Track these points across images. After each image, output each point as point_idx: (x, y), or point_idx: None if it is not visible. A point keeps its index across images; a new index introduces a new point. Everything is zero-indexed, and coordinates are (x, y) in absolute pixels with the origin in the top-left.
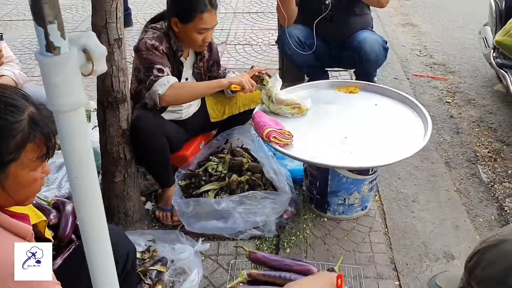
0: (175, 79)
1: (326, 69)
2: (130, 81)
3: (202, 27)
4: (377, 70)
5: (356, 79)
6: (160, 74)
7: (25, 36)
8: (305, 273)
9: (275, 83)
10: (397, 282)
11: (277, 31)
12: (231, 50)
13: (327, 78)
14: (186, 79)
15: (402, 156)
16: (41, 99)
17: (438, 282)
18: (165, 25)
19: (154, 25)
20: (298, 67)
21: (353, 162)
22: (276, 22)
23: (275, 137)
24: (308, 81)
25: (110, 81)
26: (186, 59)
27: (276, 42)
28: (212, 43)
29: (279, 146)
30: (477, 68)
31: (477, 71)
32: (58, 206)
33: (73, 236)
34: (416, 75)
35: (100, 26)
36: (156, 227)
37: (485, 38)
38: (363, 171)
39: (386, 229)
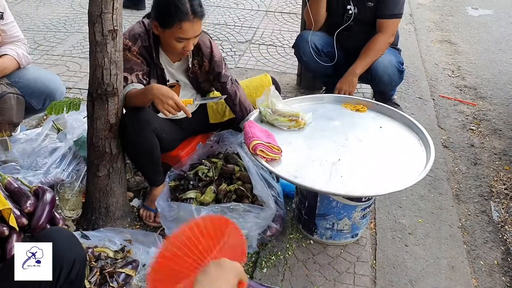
0: (131, 87)
1: None
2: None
3: (180, 37)
4: (399, 88)
5: (373, 94)
6: (124, 84)
7: (55, 14)
8: None
9: (269, 93)
10: None
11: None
12: (254, 50)
13: None
14: (177, 81)
15: (392, 189)
16: (39, 83)
17: None
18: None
19: (143, 19)
20: (313, 74)
21: (338, 188)
22: (299, 26)
23: (261, 150)
24: (324, 91)
25: (101, 73)
26: (174, 63)
27: (292, 46)
28: (213, 54)
29: (265, 160)
30: (511, 96)
31: (510, 100)
32: (38, 193)
33: (48, 226)
34: (443, 96)
35: (95, 16)
36: (138, 226)
37: None
38: (356, 197)
39: (374, 261)
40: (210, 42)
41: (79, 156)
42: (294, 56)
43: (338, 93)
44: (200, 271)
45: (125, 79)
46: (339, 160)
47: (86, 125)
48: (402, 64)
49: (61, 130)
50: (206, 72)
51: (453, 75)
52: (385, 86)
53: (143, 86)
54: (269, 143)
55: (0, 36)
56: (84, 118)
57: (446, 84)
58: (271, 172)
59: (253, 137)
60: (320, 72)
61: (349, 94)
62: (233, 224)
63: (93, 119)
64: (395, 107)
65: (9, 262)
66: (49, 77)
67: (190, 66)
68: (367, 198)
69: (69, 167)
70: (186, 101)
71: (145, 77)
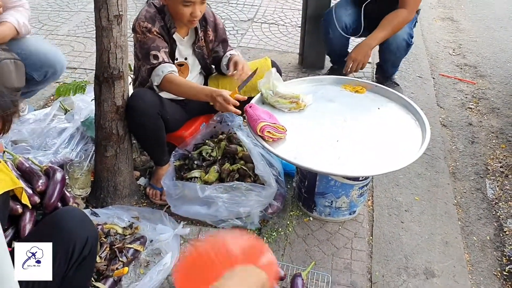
0: (170, 68)
1: None
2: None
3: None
4: (399, 67)
5: (375, 73)
6: (155, 62)
7: None
8: None
9: (271, 75)
10: None
11: (300, 12)
12: (256, 28)
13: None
14: (185, 58)
15: (388, 169)
16: (41, 55)
17: None
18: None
19: (152, 0)
20: (331, 52)
21: (336, 168)
22: (301, 4)
23: (269, 131)
24: (329, 70)
25: (107, 57)
26: (183, 38)
27: (322, 22)
28: (217, 23)
29: (272, 140)
30: (511, 75)
31: (510, 78)
32: (49, 172)
33: (59, 204)
34: (443, 75)
35: (100, 1)
36: (145, 204)
37: None
38: (350, 178)
39: (371, 237)
40: (212, 12)
41: (87, 136)
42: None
43: (352, 63)
44: (227, 272)
45: (155, 57)
46: (337, 141)
47: (92, 106)
48: (412, 37)
49: (69, 110)
50: (212, 42)
51: (454, 53)
52: (391, 55)
53: (175, 69)
54: (274, 123)
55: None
56: (91, 100)
57: (447, 62)
58: (270, 153)
59: (259, 119)
60: (339, 50)
61: (362, 66)
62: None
63: (100, 101)
64: (395, 87)
65: (24, 241)
66: (49, 48)
67: (198, 39)
68: (364, 177)
69: (78, 147)
70: (233, 93)
71: (168, 53)
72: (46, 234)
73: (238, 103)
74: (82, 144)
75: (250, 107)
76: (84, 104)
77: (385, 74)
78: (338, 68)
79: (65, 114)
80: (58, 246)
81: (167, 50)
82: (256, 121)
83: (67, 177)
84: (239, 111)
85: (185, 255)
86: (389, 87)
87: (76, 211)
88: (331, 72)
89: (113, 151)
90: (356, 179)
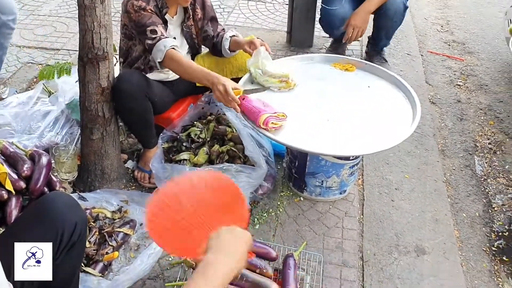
0: (172, 42)
1: None
2: (118, 38)
3: None
4: (391, 42)
5: (366, 47)
6: (154, 36)
7: None
8: (263, 256)
9: (260, 54)
10: (360, 272)
11: None
12: (243, 7)
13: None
14: (174, 38)
15: (379, 148)
16: None
17: None
18: None
19: None
20: (332, 29)
21: (327, 148)
22: None
23: (272, 122)
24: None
25: (91, 37)
26: (173, 17)
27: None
28: (205, 0)
29: (275, 129)
30: (498, 51)
31: (497, 55)
32: (34, 157)
33: (46, 189)
34: (431, 52)
35: None
36: (133, 187)
37: (510, 20)
38: (344, 156)
39: (362, 216)
40: None
41: (72, 119)
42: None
43: (352, 30)
44: (211, 234)
45: (153, 31)
46: (328, 120)
47: (77, 88)
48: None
49: (52, 93)
50: (200, 21)
51: (442, 30)
52: (388, 20)
53: (176, 43)
54: (274, 112)
55: None
56: (75, 82)
57: (435, 39)
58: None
59: (260, 111)
60: (339, 21)
61: (361, 32)
62: (234, 186)
63: (85, 83)
64: (383, 63)
65: (11, 227)
66: None
67: (187, 17)
68: (354, 156)
69: (63, 130)
70: (236, 91)
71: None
72: (34, 220)
73: (238, 101)
74: (68, 127)
75: (244, 99)
76: (69, 86)
77: (376, 46)
78: (337, 41)
79: (49, 96)
80: (46, 232)
81: (163, 26)
82: (258, 113)
83: (53, 161)
84: (238, 108)
85: (157, 194)
86: (377, 62)
87: (63, 195)
88: (332, 48)
89: (99, 134)
90: (347, 158)
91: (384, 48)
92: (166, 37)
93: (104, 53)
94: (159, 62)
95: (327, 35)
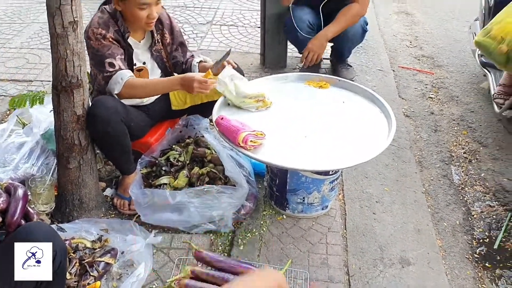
0: (128, 74)
1: None
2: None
3: (142, 2)
4: (358, 59)
5: (330, 55)
6: (111, 70)
7: (9, 5)
8: None
9: (227, 76)
10: (346, 287)
11: (259, 12)
12: (215, 31)
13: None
14: (144, 63)
15: (357, 161)
16: None
17: None
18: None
19: (104, 6)
20: (299, 49)
21: (307, 164)
22: (259, 5)
23: (251, 140)
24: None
25: (64, 65)
26: (139, 41)
27: (285, 28)
28: (173, 25)
29: (254, 148)
30: (466, 64)
31: (465, 67)
32: (9, 190)
33: (23, 222)
34: (402, 67)
35: (54, 8)
36: (113, 215)
37: (474, 34)
38: (324, 171)
39: (345, 231)
40: (168, 14)
41: (47, 150)
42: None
43: (308, 53)
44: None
45: (111, 65)
46: (305, 137)
47: (52, 118)
48: (367, 24)
49: (26, 124)
50: (169, 45)
51: (411, 46)
52: (347, 42)
53: (133, 74)
54: (253, 131)
55: None
56: (50, 111)
57: (405, 54)
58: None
59: (239, 130)
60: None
61: (318, 57)
62: None
63: (60, 111)
64: (348, 68)
65: None
66: None
67: (155, 42)
68: (334, 171)
69: (38, 161)
70: (206, 74)
71: (124, 60)
72: (11, 251)
73: (214, 81)
74: (43, 158)
75: (222, 119)
76: (43, 116)
77: (340, 58)
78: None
79: (23, 128)
80: None
81: (122, 57)
82: (236, 132)
83: (29, 193)
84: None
85: None
86: (343, 68)
87: (42, 225)
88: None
89: (76, 162)
90: (326, 173)
91: (348, 59)
92: (123, 69)
93: (78, 80)
94: (116, 94)
95: (300, 55)
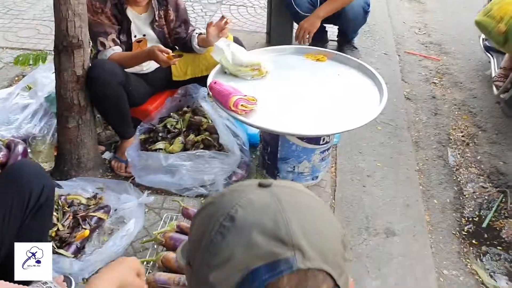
0: (113, 52)
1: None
2: None
3: None
4: (364, 42)
5: (337, 36)
6: (101, 48)
7: None
8: None
9: (226, 45)
10: None
11: None
12: (224, 10)
13: (326, 40)
14: (144, 35)
15: (350, 126)
16: None
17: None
18: None
19: None
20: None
21: (297, 129)
22: None
23: (242, 105)
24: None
25: (66, 26)
26: (141, 14)
27: (286, 5)
28: (178, 3)
29: (245, 113)
30: (474, 51)
31: (473, 54)
32: (10, 145)
33: None
34: (408, 52)
35: None
36: (110, 177)
37: None
38: (314, 140)
39: (333, 201)
40: None
41: (50, 112)
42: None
43: (299, 31)
44: None
45: (102, 44)
46: (299, 104)
47: None
48: (369, 5)
49: (32, 88)
50: (172, 22)
51: (419, 33)
52: (349, 22)
53: (121, 50)
54: (245, 95)
55: None
56: (53, 72)
57: (412, 41)
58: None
59: (231, 93)
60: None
61: (309, 34)
62: None
63: (60, 71)
64: (353, 50)
65: None
66: None
67: (156, 18)
68: (325, 141)
69: (41, 122)
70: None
71: (120, 37)
72: (2, 185)
73: (169, 51)
74: (46, 120)
75: (215, 83)
76: (47, 80)
77: (345, 38)
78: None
79: (28, 91)
80: (14, 192)
81: (115, 35)
82: (228, 95)
83: (29, 150)
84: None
85: None
86: (347, 49)
87: (31, 163)
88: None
89: (75, 122)
90: (317, 142)
91: (355, 38)
92: (112, 48)
93: (79, 41)
94: None
95: None
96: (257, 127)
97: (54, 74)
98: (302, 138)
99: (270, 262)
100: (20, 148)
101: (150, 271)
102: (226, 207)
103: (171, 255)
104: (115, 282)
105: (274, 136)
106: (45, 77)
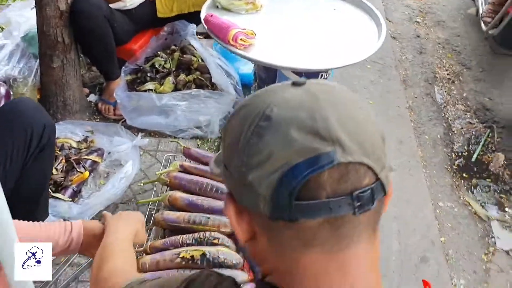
0: None
1: None
2: None
3: None
4: None
5: None
6: None
7: None
8: None
9: None
10: None
11: None
12: None
13: None
14: None
15: (349, 61)
16: None
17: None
18: None
19: None
20: None
21: (297, 63)
22: None
23: (241, 39)
24: None
25: None
26: None
27: None
28: None
29: (244, 47)
30: None
31: None
32: None
33: None
34: None
35: None
36: (98, 120)
37: None
38: (312, 77)
39: None
40: None
41: (29, 53)
42: None
43: None
44: None
45: None
46: (296, 39)
47: (33, 21)
48: None
49: (4, 28)
50: None
51: None
52: None
53: None
54: (244, 29)
55: None
56: (32, 8)
57: None
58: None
59: (229, 27)
60: None
61: None
62: None
63: (41, 6)
64: None
65: None
66: None
67: None
68: (322, 77)
69: (20, 64)
70: None
71: None
72: (2, 123)
73: None
74: (24, 61)
75: (211, 16)
76: (23, 18)
77: None
78: None
79: (1, 31)
80: (16, 131)
81: None
82: (227, 29)
83: (11, 93)
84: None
85: None
86: None
87: (29, 100)
88: None
89: (60, 61)
90: (315, 77)
91: None
92: None
93: None
94: None
95: None
96: (258, 62)
97: (30, 11)
98: (300, 73)
99: (311, 157)
100: (2, 90)
101: (153, 212)
102: (261, 107)
103: (177, 194)
104: (132, 232)
105: (271, 73)
106: (19, 16)
